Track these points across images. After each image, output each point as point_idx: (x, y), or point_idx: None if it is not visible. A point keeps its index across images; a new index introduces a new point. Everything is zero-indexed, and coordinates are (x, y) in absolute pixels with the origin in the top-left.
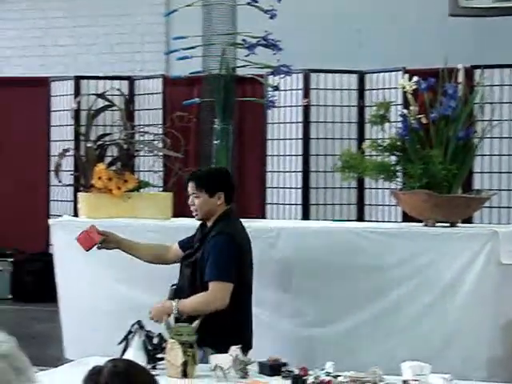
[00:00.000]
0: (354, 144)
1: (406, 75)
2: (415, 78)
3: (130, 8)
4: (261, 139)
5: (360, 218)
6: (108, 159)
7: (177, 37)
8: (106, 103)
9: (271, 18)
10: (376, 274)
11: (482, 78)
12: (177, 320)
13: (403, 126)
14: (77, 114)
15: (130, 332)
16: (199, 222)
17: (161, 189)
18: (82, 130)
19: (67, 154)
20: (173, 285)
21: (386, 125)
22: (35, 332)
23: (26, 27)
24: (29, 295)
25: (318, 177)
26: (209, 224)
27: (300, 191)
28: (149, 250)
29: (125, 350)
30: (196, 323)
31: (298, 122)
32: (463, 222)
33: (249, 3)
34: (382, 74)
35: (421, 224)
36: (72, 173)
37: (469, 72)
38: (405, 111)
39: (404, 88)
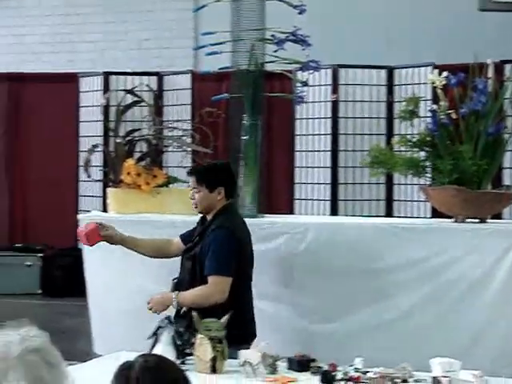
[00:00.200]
0: (382, 139)
1: (436, 70)
2: (445, 73)
3: (158, 4)
4: (289, 135)
5: (389, 213)
6: (137, 155)
7: (205, 32)
8: (135, 99)
9: (300, 13)
10: (404, 270)
11: None
12: (177, 312)
13: (433, 121)
14: (106, 109)
15: (159, 327)
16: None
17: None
18: (111, 125)
19: (96, 149)
20: (174, 278)
21: (416, 120)
22: (64, 326)
23: (56, 23)
24: (58, 290)
25: (346, 172)
26: (209, 218)
27: (328, 187)
28: (151, 245)
29: (154, 346)
30: (225, 318)
31: (326, 118)
32: (493, 218)
33: None
34: (411, 69)
35: (450, 220)
36: (101, 168)
37: (498, 67)
38: (434, 106)
39: (434, 83)
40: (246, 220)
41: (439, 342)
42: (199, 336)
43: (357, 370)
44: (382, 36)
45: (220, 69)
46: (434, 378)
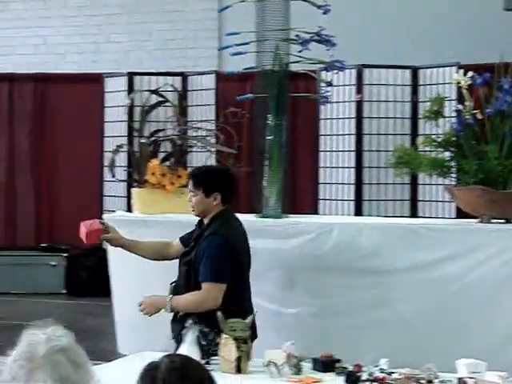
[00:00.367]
0: (407, 140)
1: (461, 70)
2: (470, 73)
3: (183, 4)
4: (313, 135)
5: (413, 214)
6: (161, 155)
7: (230, 33)
8: (160, 99)
9: (324, 13)
10: (429, 270)
11: None
12: (174, 316)
13: (458, 121)
14: (130, 109)
15: (183, 327)
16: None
17: None
18: (136, 125)
19: (121, 149)
20: (172, 282)
21: (441, 120)
22: (89, 326)
23: (81, 24)
24: (83, 290)
25: (370, 172)
26: (205, 221)
27: (353, 187)
28: (150, 248)
29: (178, 346)
30: (249, 319)
31: (350, 118)
32: None
33: None
34: (436, 69)
35: (475, 220)
36: (126, 168)
37: None
38: (459, 106)
39: (459, 83)
40: (270, 220)
41: (465, 343)
42: (224, 336)
43: (382, 370)
44: (406, 36)
45: (244, 69)
46: (460, 379)
